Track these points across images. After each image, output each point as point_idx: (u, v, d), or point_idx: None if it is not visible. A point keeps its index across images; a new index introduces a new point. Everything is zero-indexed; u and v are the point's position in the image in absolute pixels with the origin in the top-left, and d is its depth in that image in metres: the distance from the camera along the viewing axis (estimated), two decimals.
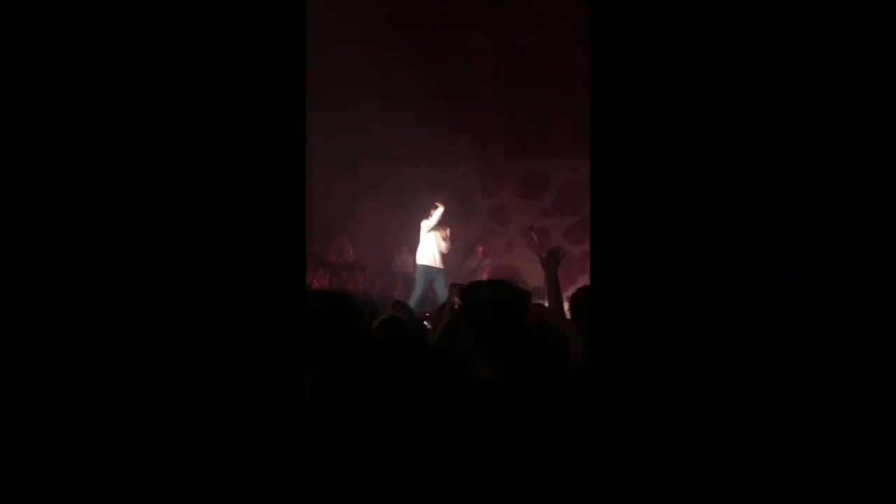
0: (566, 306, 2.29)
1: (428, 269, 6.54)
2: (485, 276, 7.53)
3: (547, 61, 5.98)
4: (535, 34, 5.59)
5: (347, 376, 1.29)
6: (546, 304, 2.22)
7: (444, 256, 6.64)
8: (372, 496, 1.16)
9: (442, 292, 6.17)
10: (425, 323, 2.89)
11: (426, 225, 6.57)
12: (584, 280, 5.69)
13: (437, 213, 6.48)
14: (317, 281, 7.27)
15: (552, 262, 2.13)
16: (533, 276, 8.03)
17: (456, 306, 1.44)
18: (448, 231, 6.74)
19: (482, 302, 1.39)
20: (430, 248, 6.57)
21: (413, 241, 7.05)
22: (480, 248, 8.67)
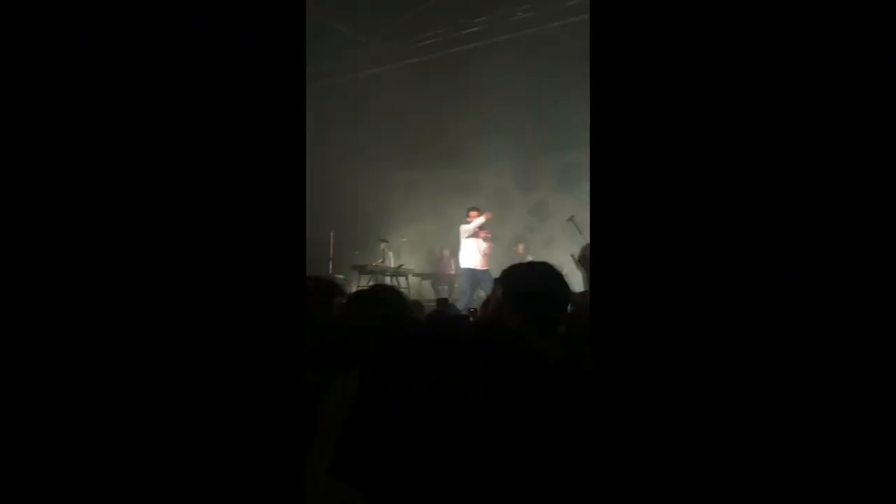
0: None
1: (472, 272, 6.55)
2: None
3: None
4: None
5: (398, 370, 1.29)
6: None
7: (487, 258, 6.62)
8: (385, 486, 1.15)
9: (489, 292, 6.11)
10: (470, 318, 2.89)
11: (465, 230, 6.56)
12: None
13: (478, 220, 6.46)
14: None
15: (584, 258, 2.20)
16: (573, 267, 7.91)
17: (500, 293, 1.46)
18: (489, 232, 6.71)
19: (523, 278, 1.45)
20: (472, 250, 6.58)
21: (453, 245, 7.04)
22: (520, 245, 8.60)
